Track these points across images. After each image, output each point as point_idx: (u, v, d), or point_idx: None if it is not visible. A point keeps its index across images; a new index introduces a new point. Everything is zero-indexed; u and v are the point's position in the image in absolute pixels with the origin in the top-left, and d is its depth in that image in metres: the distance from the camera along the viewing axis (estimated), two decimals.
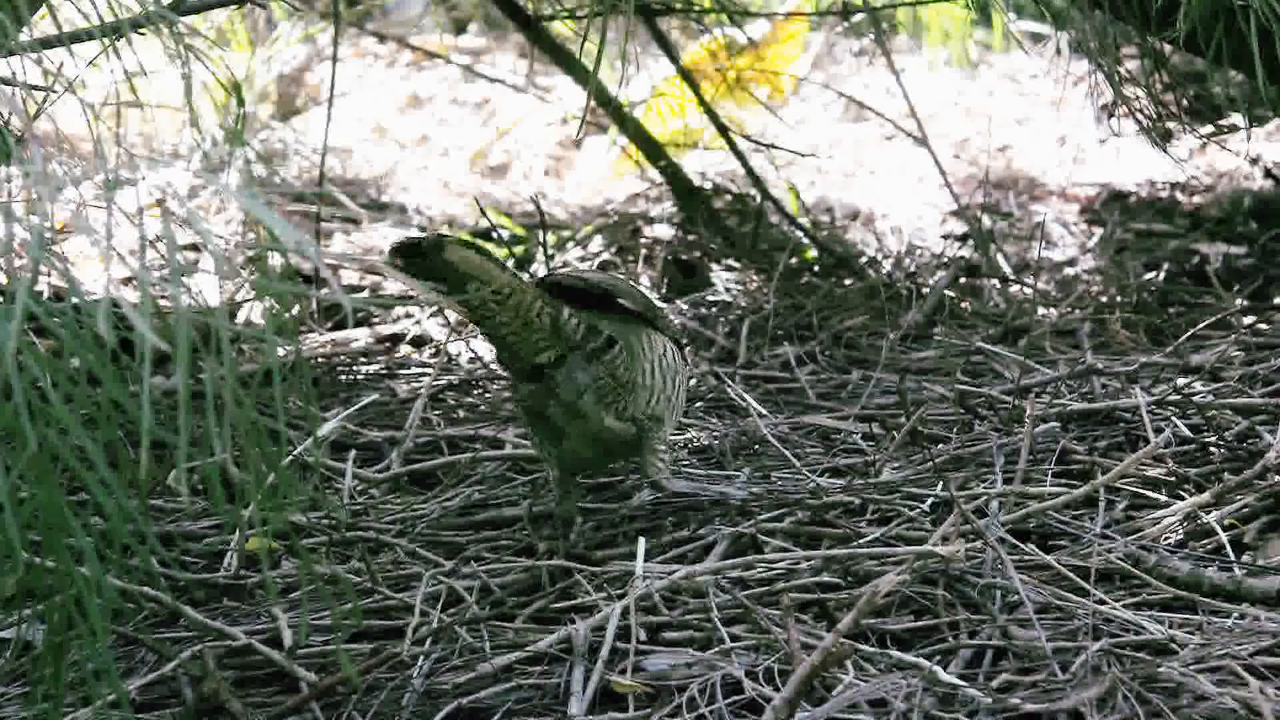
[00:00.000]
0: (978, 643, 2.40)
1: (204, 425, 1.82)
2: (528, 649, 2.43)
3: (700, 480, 2.95)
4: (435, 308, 4.07)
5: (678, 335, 2.92)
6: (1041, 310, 4.05)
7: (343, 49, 5.57)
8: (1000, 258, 4.44)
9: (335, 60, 4.30)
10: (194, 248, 4.07)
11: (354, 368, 3.84)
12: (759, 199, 4.53)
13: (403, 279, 2.61)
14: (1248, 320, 3.77)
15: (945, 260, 4.45)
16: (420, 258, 2.58)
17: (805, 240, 4.45)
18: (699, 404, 3.45)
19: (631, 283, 2.95)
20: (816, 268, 4.38)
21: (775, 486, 2.94)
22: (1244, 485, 2.80)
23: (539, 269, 4.07)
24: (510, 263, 4.18)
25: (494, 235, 4.46)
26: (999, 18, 5.23)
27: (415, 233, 4.76)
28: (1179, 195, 5.04)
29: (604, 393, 2.76)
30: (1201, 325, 3.63)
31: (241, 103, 2.54)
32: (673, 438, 3.20)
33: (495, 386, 3.67)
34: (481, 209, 4.10)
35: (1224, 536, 2.68)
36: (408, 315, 4.10)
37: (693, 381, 3.57)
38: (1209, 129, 4.10)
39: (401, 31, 6.21)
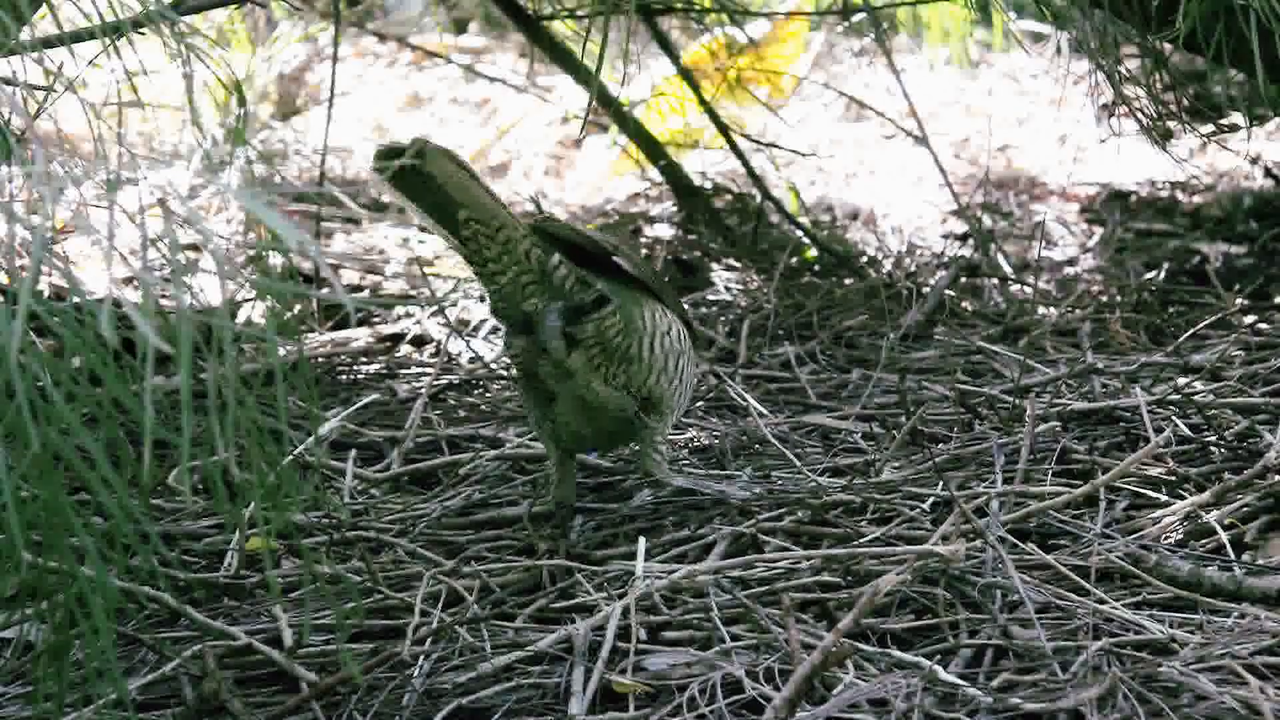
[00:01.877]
0: (978, 642, 2.41)
1: (205, 425, 1.82)
2: (528, 649, 2.43)
3: (701, 478, 2.95)
4: (436, 307, 4.07)
5: (688, 317, 2.91)
6: (1042, 310, 4.05)
7: (343, 49, 5.57)
8: (1000, 257, 4.44)
9: (335, 60, 4.30)
10: (195, 247, 4.07)
11: (354, 367, 3.84)
12: (759, 198, 4.53)
13: (390, 192, 2.59)
14: (1248, 320, 3.77)
15: (945, 260, 4.45)
16: (403, 165, 2.55)
17: (805, 240, 4.46)
18: (699, 404, 3.45)
19: (643, 258, 2.91)
20: (817, 267, 4.39)
21: (776, 486, 2.94)
22: (1244, 485, 2.80)
23: None
24: None
25: None
26: (999, 17, 5.23)
27: (419, 235, 4.76)
28: (1179, 195, 5.04)
29: (593, 354, 2.75)
30: (1202, 325, 3.63)
31: (242, 102, 2.54)
32: (673, 436, 3.21)
33: (495, 386, 3.67)
34: None
35: (1224, 536, 2.68)
36: (408, 315, 4.10)
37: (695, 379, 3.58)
38: (1209, 128, 4.09)
39: (402, 31, 6.21)
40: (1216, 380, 3.31)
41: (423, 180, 2.59)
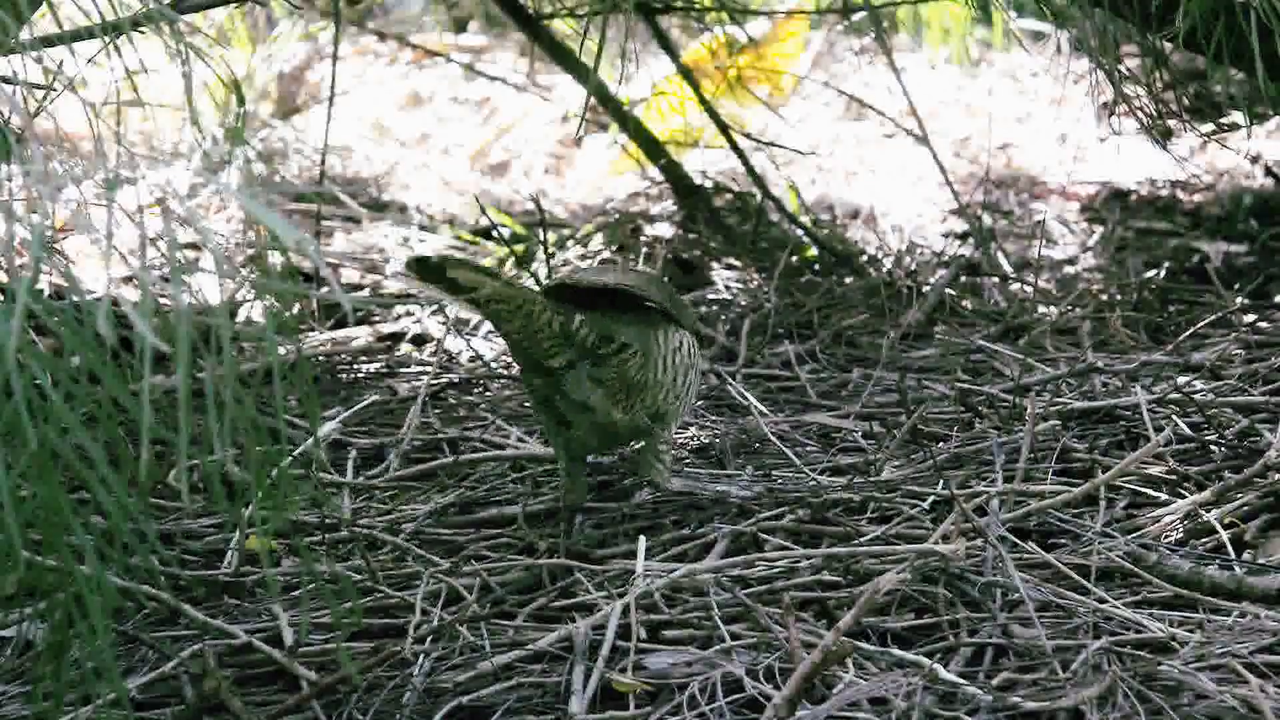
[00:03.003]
0: (978, 641, 2.41)
1: (204, 424, 1.82)
2: (528, 647, 2.43)
3: (701, 480, 2.95)
4: (435, 306, 4.07)
5: (698, 328, 2.94)
6: (1042, 308, 4.05)
7: (343, 47, 5.57)
8: (1000, 256, 4.44)
9: (336, 58, 4.30)
10: (194, 246, 4.07)
11: (354, 366, 3.84)
12: (759, 197, 4.53)
13: (418, 286, 2.70)
14: (1248, 318, 3.77)
15: (946, 258, 4.45)
16: (431, 271, 2.66)
17: (806, 239, 4.45)
18: (700, 402, 3.45)
19: (652, 274, 2.93)
20: (817, 266, 4.38)
21: (776, 485, 2.94)
22: (1244, 483, 2.80)
23: (539, 267, 4.07)
24: (511, 261, 4.20)
25: (494, 233, 4.46)
26: (999, 16, 5.23)
27: (420, 234, 4.77)
28: (1179, 193, 5.04)
29: (614, 391, 2.78)
30: (1202, 323, 3.63)
31: (242, 101, 2.54)
32: (674, 436, 3.21)
33: (495, 385, 3.67)
34: (482, 207, 4.10)
35: (1224, 535, 2.68)
36: (408, 314, 4.10)
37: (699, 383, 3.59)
38: (1209, 127, 4.09)
39: (402, 30, 6.22)
40: (1217, 379, 3.31)
41: (448, 282, 2.68)
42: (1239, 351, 3.51)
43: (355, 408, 3.43)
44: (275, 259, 1.89)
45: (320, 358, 3.86)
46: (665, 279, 3.09)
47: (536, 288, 2.84)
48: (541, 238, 4.04)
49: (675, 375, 2.83)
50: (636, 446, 2.93)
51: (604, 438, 2.85)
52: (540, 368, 2.76)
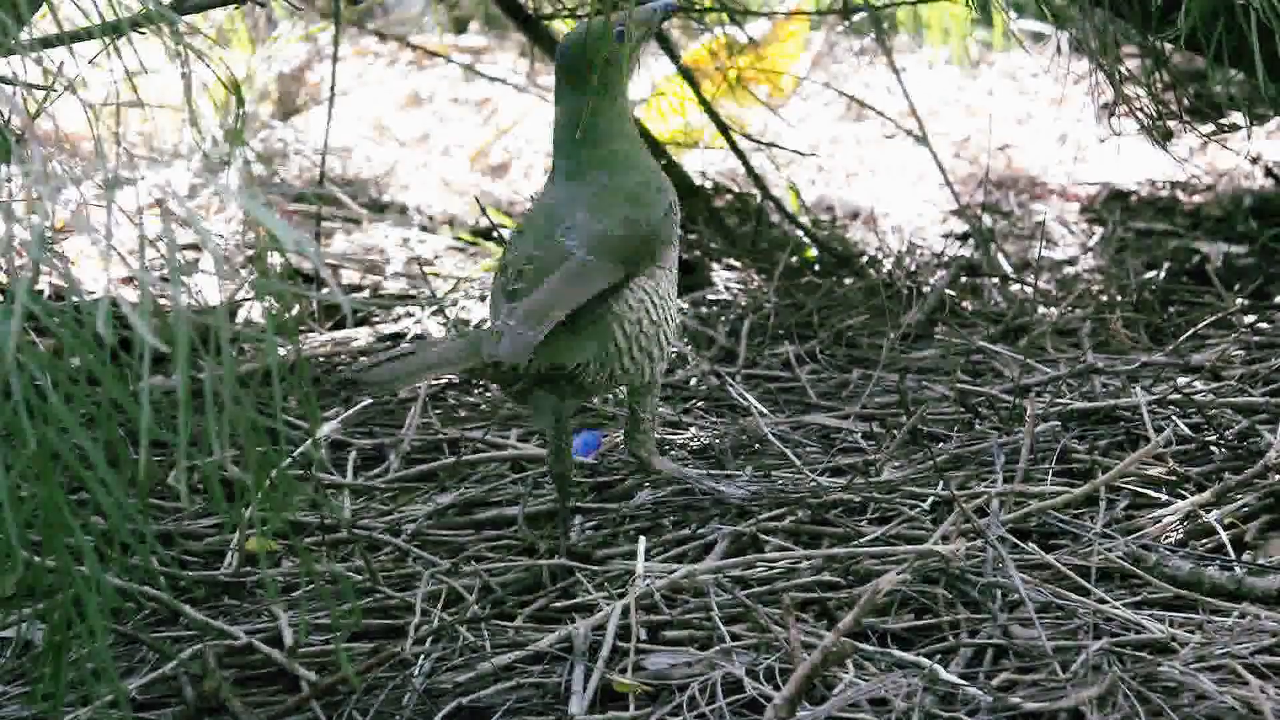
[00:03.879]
0: (978, 641, 2.41)
1: (204, 424, 1.82)
2: (528, 648, 2.44)
3: (691, 472, 2.93)
4: (435, 307, 4.07)
5: (668, 237, 2.77)
6: (1042, 309, 4.05)
7: (343, 48, 5.57)
8: (1001, 257, 4.44)
9: (336, 59, 4.30)
10: (194, 247, 4.07)
11: (354, 367, 3.84)
12: (759, 198, 4.53)
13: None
14: (1248, 319, 3.77)
15: (946, 259, 4.45)
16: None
17: (806, 239, 4.45)
18: (700, 403, 3.45)
19: (604, 235, 2.75)
20: (817, 267, 4.38)
21: (776, 485, 2.94)
22: (1244, 484, 2.80)
23: None
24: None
25: (494, 234, 4.46)
26: (999, 16, 5.22)
27: (420, 234, 4.78)
28: (1179, 194, 5.04)
29: (579, 397, 2.76)
30: (1202, 324, 3.63)
31: (241, 102, 2.54)
32: (672, 436, 3.21)
33: (495, 385, 3.67)
34: (482, 208, 4.10)
35: (1224, 535, 2.68)
36: (408, 314, 4.10)
37: (693, 381, 3.58)
38: (1209, 128, 4.09)
39: (402, 30, 6.21)
40: (1217, 380, 3.30)
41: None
42: (1239, 352, 3.50)
43: (355, 408, 3.43)
44: (275, 260, 1.89)
45: (320, 358, 3.86)
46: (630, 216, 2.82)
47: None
48: None
49: (646, 354, 2.76)
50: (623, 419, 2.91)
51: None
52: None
